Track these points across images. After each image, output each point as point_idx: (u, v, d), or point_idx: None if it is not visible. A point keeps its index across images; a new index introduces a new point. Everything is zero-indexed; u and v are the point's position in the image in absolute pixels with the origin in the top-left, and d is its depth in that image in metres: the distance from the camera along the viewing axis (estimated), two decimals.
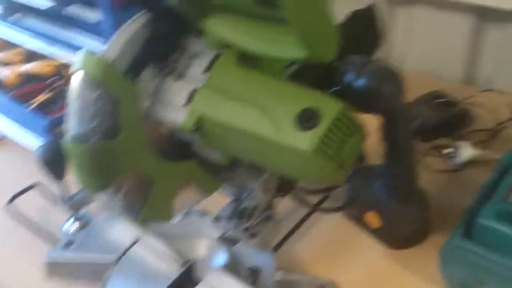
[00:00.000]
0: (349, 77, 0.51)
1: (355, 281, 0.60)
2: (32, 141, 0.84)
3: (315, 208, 0.66)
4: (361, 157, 0.51)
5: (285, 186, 0.58)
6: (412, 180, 0.62)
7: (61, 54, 0.91)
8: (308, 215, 0.69)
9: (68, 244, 0.57)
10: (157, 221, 0.54)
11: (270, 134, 0.42)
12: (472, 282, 0.54)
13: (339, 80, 0.51)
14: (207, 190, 0.56)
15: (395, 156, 0.60)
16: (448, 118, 0.81)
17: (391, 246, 0.64)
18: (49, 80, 0.96)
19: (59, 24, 0.92)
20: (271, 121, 0.42)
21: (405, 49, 1.04)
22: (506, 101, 0.86)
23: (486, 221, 0.54)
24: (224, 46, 0.47)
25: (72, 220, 0.61)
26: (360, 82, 0.51)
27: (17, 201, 0.64)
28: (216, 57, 0.47)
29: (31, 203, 0.64)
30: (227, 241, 0.57)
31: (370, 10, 0.59)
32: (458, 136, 0.79)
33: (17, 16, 1.02)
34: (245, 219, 0.58)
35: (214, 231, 0.58)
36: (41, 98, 0.92)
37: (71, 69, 0.46)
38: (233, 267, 0.54)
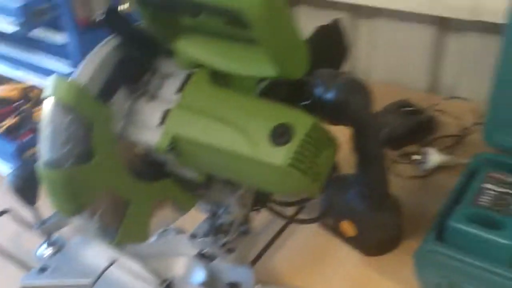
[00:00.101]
0: (318, 90, 0.52)
1: None
2: (0, 167, 0.83)
3: (291, 220, 0.67)
4: (334, 168, 0.52)
5: (261, 200, 0.58)
6: (384, 188, 0.64)
7: (27, 77, 0.90)
8: (284, 227, 0.70)
9: (43, 269, 0.56)
10: (133, 242, 0.53)
11: (245, 151, 0.43)
12: (446, 284, 0.55)
13: (309, 93, 0.52)
14: (183, 208, 0.56)
15: (366, 165, 0.61)
16: (415, 126, 0.83)
17: (366, 253, 0.66)
18: (16, 104, 0.95)
19: (25, 47, 0.90)
20: (245, 138, 0.43)
21: (370, 61, 1.07)
22: (469, 108, 0.89)
23: (457, 224, 0.56)
24: (195, 66, 0.47)
25: (45, 245, 0.60)
26: (330, 95, 0.52)
27: None
28: (188, 77, 0.47)
29: (3, 229, 0.63)
30: (205, 257, 0.57)
31: (335, 24, 0.60)
32: (425, 143, 0.82)
33: None
34: (222, 234, 0.58)
35: (191, 249, 0.58)
36: (8, 122, 0.90)
37: (43, 95, 0.45)
38: (211, 284, 0.54)
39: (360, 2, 0.98)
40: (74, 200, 0.47)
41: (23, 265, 0.58)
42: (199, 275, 0.55)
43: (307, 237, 0.69)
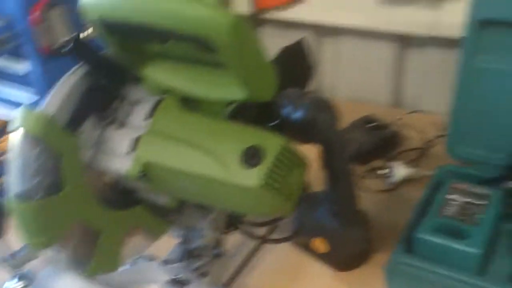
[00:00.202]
0: (286, 110, 0.53)
1: None
2: None
3: (263, 240, 0.68)
4: (305, 186, 0.53)
5: (233, 222, 0.58)
6: (353, 203, 0.65)
7: None
8: (257, 248, 0.70)
9: None
10: (105, 272, 0.52)
11: (217, 174, 0.43)
12: None
13: (277, 114, 0.53)
14: (155, 235, 0.56)
15: (335, 182, 0.62)
16: (380, 141, 0.85)
17: (339, 269, 0.66)
18: None
19: None
20: (217, 162, 0.43)
21: (335, 78, 1.09)
22: (431, 121, 0.91)
23: (424, 235, 0.58)
24: (164, 92, 0.48)
25: (15, 279, 0.58)
26: (297, 115, 0.53)
27: None
28: (157, 102, 0.47)
29: None
30: (178, 283, 0.57)
31: (299, 44, 0.62)
32: (391, 157, 0.84)
33: None
34: (195, 259, 0.58)
35: (164, 275, 0.57)
36: None
37: (10, 127, 0.45)
38: None
39: (323, 21, 1.00)
40: (45, 232, 0.46)
41: None
42: None
43: (280, 256, 0.69)
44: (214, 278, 0.58)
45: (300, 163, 0.46)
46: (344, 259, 0.66)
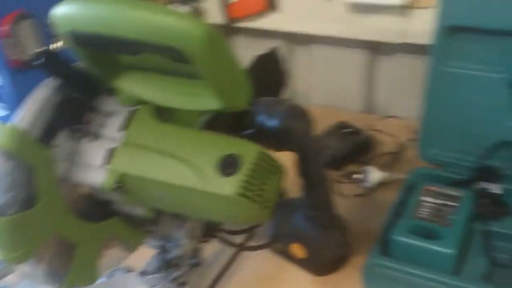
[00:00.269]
0: (261, 118, 0.54)
1: None
2: None
3: (241, 247, 0.68)
4: (281, 193, 0.54)
5: (210, 231, 0.58)
6: (330, 208, 0.66)
7: None
8: (235, 256, 0.70)
9: None
10: (82, 285, 0.52)
11: (193, 184, 0.43)
12: None
13: (251, 122, 0.53)
14: (132, 246, 0.55)
15: (311, 187, 0.63)
16: (354, 146, 0.87)
17: (317, 273, 0.67)
18: None
19: None
20: (193, 171, 0.43)
21: (308, 86, 1.10)
22: (403, 125, 0.93)
23: (399, 237, 0.59)
24: (138, 103, 0.48)
25: None
26: (272, 123, 0.53)
27: None
28: (131, 113, 0.47)
29: None
30: None
31: (273, 53, 0.63)
32: (365, 161, 0.85)
33: None
34: (173, 269, 0.58)
35: (141, 286, 0.57)
36: None
37: None
38: None
39: (295, 30, 1.01)
40: (20, 247, 0.45)
41: None
42: None
43: (259, 263, 0.69)
44: (193, 287, 0.58)
45: (276, 170, 0.46)
46: (322, 264, 0.67)
